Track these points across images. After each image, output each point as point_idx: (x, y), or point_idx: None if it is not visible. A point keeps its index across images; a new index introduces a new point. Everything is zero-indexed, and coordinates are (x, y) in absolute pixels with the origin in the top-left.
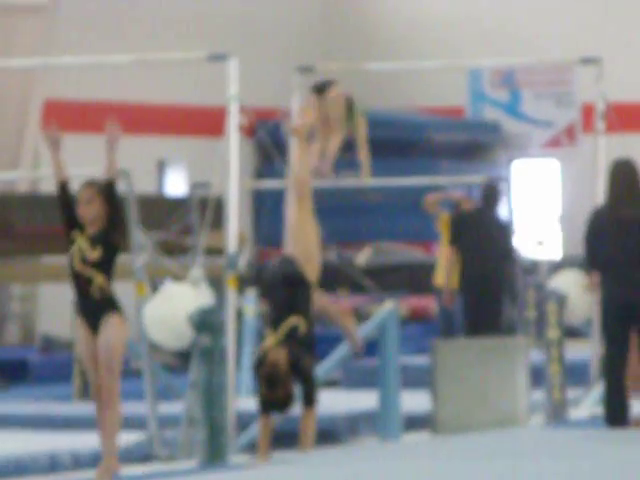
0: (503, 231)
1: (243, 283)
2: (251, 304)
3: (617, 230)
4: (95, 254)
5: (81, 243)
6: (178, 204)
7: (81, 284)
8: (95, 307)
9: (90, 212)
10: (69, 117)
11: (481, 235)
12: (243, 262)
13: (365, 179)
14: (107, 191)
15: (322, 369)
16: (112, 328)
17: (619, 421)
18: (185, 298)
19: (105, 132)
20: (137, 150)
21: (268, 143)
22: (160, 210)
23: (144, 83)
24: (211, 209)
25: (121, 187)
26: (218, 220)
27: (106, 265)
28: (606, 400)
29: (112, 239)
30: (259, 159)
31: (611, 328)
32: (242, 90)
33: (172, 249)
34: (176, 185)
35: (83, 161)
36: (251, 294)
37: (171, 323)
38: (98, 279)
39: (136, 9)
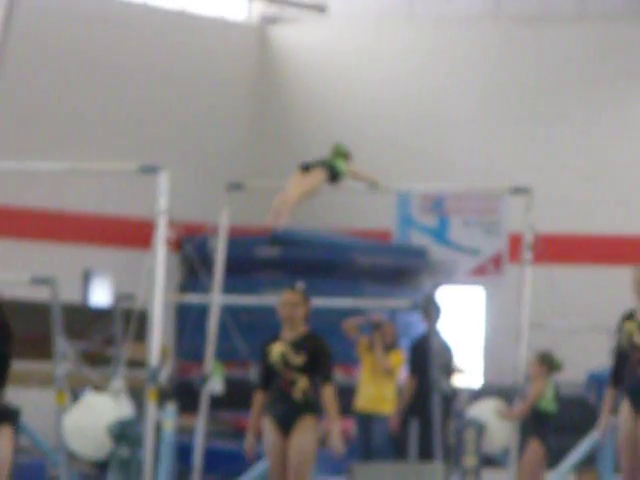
0: (448, 353)
1: (164, 397)
2: (170, 418)
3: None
4: (299, 360)
5: (284, 348)
6: (102, 314)
7: (282, 386)
8: (293, 409)
9: (296, 314)
10: None
11: (433, 360)
12: (164, 376)
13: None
14: (307, 296)
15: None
16: (305, 432)
17: None
18: (105, 409)
19: None
20: (63, 258)
21: (194, 258)
22: (84, 320)
23: (74, 191)
24: (135, 321)
25: (45, 294)
26: (141, 332)
27: (310, 369)
28: None
29: (314, 347)
30: (185, 273)
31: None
32: (171, 203)
33: (94, 359)
34: (101, 295)
35: (10, 266)
36: (171, 408)
37: (90, 433)
38: (302, 382)
39: (67, 117)
